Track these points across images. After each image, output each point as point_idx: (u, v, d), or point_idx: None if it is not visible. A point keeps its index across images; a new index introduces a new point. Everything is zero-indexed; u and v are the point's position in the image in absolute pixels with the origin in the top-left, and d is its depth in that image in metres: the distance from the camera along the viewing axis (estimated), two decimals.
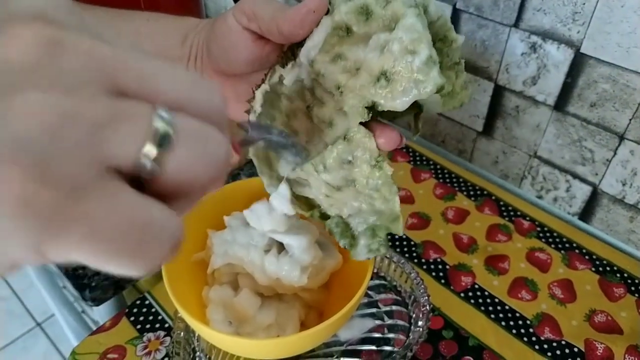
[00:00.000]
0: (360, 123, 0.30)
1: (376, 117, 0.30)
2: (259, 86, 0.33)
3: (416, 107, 0.33)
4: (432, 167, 0.70)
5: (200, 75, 0.18)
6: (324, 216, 0.34)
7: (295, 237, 0.38)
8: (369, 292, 0.51)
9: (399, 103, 0.28)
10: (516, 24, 0.58)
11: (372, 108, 0.29)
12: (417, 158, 0.72)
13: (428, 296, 0.48)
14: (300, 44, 0.31)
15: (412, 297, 0.49)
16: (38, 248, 0.14)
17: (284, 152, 0.32)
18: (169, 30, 0.38)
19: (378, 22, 0.29)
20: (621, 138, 0.55)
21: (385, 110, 0.29)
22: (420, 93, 0.27)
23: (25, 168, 0.13)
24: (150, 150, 0.15)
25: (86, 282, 0.52)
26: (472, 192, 0.66)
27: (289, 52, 0.32)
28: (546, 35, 0.56)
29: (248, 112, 0.33)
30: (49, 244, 0.14)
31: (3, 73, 0.14)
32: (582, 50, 0.54)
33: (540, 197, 0.67)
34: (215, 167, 0.17)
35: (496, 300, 0.54)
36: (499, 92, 0.64)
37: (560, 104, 0.59)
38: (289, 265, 0.38)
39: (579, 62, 0.55)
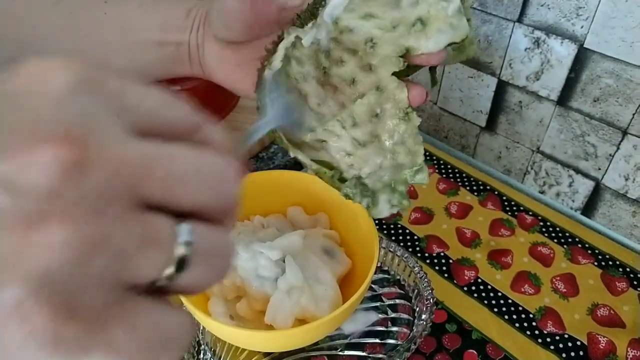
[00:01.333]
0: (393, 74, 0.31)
1: (404, 74, 0.32)
2: (276, 42, 0.33)
3: None
4: (435, 162, 0.70)
5: (226, 163, 0.17)
6: (342, 179, 0.35)
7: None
8: (373, 285, 0.51)
9: (434, 43, 0.29)
10: (520, 19, 0.58)
11: (404, 57, 0.30)
12: None
13: (432, 290, 0.48)
14: (322, 4, 0.32)
15: (416, 290, 0.50)
16: None
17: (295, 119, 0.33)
18: (173, 3, 0.38)
19: None
20: (624, 133, 0.56)
21: (420, 53, 0.30)
22: (455, 35, 0.29)
23: (51, 304, 0.13)
24: (169, 271, 0.16)
25: None
26: (475, 187, 0.67)
27: (308, 12, 0.33)
28: (550, 30, 0.56)
29: (261, 70, 0.33)
30: None
31: (24, 201, 0.13)
32: (585, 45, 0.54)
33: (543, 192, 0.67)
34: (224, 274, 0.18)
35: (499, 294, 0.54)
36: (502, 88, 0.64)
37: (564, 99, 0.59)
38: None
39: (582, 57, 0.55)
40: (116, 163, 0.14)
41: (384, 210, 0.34)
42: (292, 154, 0.33)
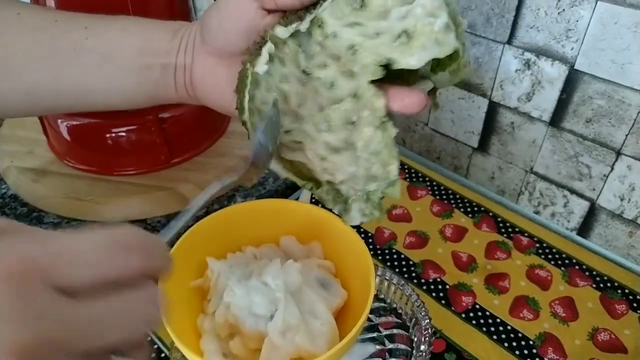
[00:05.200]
0: (373, 82, 0.30)
1: (393, 81, 0.31)
2: (258, 44, 0.33)
3: (430, 82, 0.34)
4: (428, 183, 0.70)
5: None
6: (317, 185, 0.35)
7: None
8: (370, 315, 0.50)
9: (416, 59, 0.29)
10: (510, 41, 0.58)
11: (386, 67, 0.30)
12: (413, 175, 0.71)
13: (429, 319, 0.47)
14: (308, 9, 0.32)
15: (413, 319, 0.48)
16: None
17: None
18: (158, 27, 0.38)
19: (379, 5, 0.30)
20: (618, 153, 0.55)
21: (401, 68, 0.29)
22: (440, 51, 0.28)
23: None
24: None
25: None
26: (469, 209, 0.66)
27: (294, 14, 0.32)
28: (540, 52, 0.56)
29: (242, 71, 0.33)
30: None
31: None
32: (576, 67, 0.54)
33: (537, 212, 0.67)
34: None
35: (498, 320, 0.53)
36: (493, 109, 0.64)
37: (556, 120, 0.59)
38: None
39: (573, 79, 0.55)
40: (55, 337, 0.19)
41: (356, 218, 0.35)
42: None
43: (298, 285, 0.36)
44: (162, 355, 0.50)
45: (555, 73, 0.56)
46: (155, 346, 0.51)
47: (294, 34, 0.32)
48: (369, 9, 0.30)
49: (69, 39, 0.37)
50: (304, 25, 0.32)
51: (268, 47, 0.33)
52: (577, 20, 0.52)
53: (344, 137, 0.32)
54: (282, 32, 0.32)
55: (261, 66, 0.33)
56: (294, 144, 0.35)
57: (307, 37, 0.33)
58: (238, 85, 0.34)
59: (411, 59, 0.29)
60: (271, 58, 0.33)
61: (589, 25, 0.51)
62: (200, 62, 0.37)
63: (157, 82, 0.38)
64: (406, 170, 0.72)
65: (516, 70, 0.59)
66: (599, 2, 0.50)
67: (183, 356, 0.46)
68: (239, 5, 0.33)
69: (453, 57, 0.30)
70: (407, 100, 0.30)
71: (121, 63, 0.37)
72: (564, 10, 0.52)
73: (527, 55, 0.57)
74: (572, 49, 0.53)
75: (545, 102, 0.58)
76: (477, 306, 0.54)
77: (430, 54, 0.29)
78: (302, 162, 0.36)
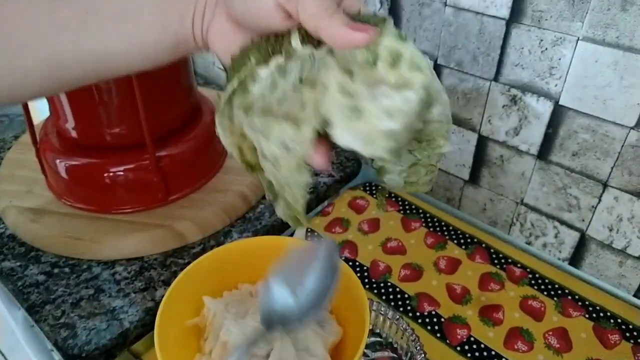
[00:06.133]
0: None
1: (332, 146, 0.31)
2: (271, 46, 0.32)
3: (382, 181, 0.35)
4: (421, 215, 0.71)
5: None
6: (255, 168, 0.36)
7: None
8: (365, 350, 0.50)
9: (346, 138, 0.28)
10: (496, 78, 0.60)
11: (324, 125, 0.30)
12: (407, 207, 0.72)
13: (424, 353, 0.47)
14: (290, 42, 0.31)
15: (409, 354, 0.49)
16: None
17: None
18: None
19: (380, 74, 0.29)
20: (605, 185, 0.57)
21: (330, 134, 0.29)
22: (364, 149, 0.28)
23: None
24: None
25: (76, 353, 0.50)
26: (462, 240, 0.67)
27: (277, 44, 0.31)
28: (525, 88, 0.58)
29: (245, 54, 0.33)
30: None
31: None
32: (560, 103, 0.56)
33: (529, 243, 0.68)
34: None
35: (493, 352, 0.53)
36: (483, 142, 0.66)
37: (543, 153, 0.60)
38: None
39: (558, 114, 0.57)
40: None
41: (280, 214, 0.37)
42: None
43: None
44: None
45: (541, 108, 0.58)
46: None
47: (290, 56, 0.31)
48: (354, 77, 0.30)
49: (85, 2, 0.36)
50: (316, 53, 0.31)
51: (278, 60, 0.32)
52: (560, 59, 0.54)
53: (273, 153, 0.32)
54: (298, 46, 0.31)
55: (265, 71, 0.32)
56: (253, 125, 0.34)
57: (309, 60, 0.31)
58: (235, 61, 0.33)
59: (342, 133, 0.28)
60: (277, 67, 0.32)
61: (571, 63, 0.53)
62: (218, 21, 0.35)
63: (176, 34, 0.36)
64: (400, 203, 0.73)
65: (503, 106, 0.61)
66: (579, 42, 0.52)
67: None
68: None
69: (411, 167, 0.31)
70: (318, 161, 0.31)
71: (140, 20, 0.36)
72: (546, 49, 0.55)
73: (513, 91, 0.59)
74: (555, 85, 0.56)
75: (533, 136, 0.60)
76: (472, 339, 0.55)
77: (356, 144, 0.28)
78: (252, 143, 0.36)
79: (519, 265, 0.63)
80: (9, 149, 0.78)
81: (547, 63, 0.55)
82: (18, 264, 0.61)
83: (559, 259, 0.65)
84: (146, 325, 0.55)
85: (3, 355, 1.41)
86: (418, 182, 0.32)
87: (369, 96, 0.28)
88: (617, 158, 0.54)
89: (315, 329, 0.40)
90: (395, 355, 0.50)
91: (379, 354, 0.50)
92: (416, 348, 0.48)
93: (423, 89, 0.28)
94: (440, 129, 0.31)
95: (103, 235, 0.61)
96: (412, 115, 0.28)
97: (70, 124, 0.63)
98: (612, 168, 0.55)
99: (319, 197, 0.73)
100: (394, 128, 0.27)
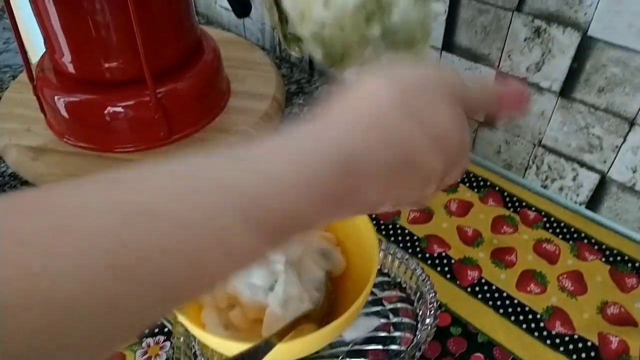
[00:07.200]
0: None
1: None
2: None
3: None
4: None
5: None
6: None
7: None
8: (373, 289, 0.49)
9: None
10: (519, 8, 0.56)
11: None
12: None
13: (435, 292, 0.46)
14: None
15: (418, 293, 0.48)
16: None
17: None
18: None
19: None
20: (631, 124, 0.53)
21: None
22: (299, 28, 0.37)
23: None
24: None
25: None
26: (475, 184, 0.65)
27: None
28: (551, 18, 0.54)
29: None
30: None
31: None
32: (589, 33, 0.52)
33: (545, 186, 0.65)
34: None
35: (504, 294, 0.52)
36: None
37: (566, 90, 0.57)
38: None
39: (586, 46, 0.53)
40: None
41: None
42: None
43: (299, 256, 0.36)
44: (165, 329, 0.49)
45: (567, 41, 0.54)
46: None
47: None
48: None
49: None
50: None
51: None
52: None
53: None
54: None
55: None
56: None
57: None
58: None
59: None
60: None
61: None
62: None
63: None
64: None
65: (525, 39, 0.57)
66: None
67: (187, 330, 0.45)
68: None
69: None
70: None
71: None
72: None
73: (537, 22, 0.55)
74: (585, 14, 0.51)
75: (556, 71, 0.56)
76: (483, 280, 0.53)
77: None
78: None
79: (533, 208, 0.61)
80: (6, 88, 0.75)
81: None
82: None
83: (575, 202, 0.63)
84: None
85: None
86: None
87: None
88: None
89: (320, 262, 0.38)
90: (404, 295, 0.49)
91: (387, 293, 0.49)
92: (426, 287, 0.46)
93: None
94: (416, 34, 0.34)
95: None
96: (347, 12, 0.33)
97: (66, 57, 0.60)
98: None
99: None
100: (324, 15, 0.32)
